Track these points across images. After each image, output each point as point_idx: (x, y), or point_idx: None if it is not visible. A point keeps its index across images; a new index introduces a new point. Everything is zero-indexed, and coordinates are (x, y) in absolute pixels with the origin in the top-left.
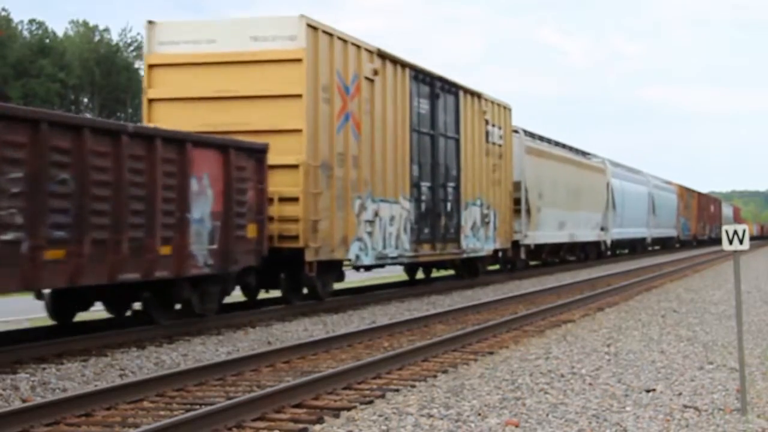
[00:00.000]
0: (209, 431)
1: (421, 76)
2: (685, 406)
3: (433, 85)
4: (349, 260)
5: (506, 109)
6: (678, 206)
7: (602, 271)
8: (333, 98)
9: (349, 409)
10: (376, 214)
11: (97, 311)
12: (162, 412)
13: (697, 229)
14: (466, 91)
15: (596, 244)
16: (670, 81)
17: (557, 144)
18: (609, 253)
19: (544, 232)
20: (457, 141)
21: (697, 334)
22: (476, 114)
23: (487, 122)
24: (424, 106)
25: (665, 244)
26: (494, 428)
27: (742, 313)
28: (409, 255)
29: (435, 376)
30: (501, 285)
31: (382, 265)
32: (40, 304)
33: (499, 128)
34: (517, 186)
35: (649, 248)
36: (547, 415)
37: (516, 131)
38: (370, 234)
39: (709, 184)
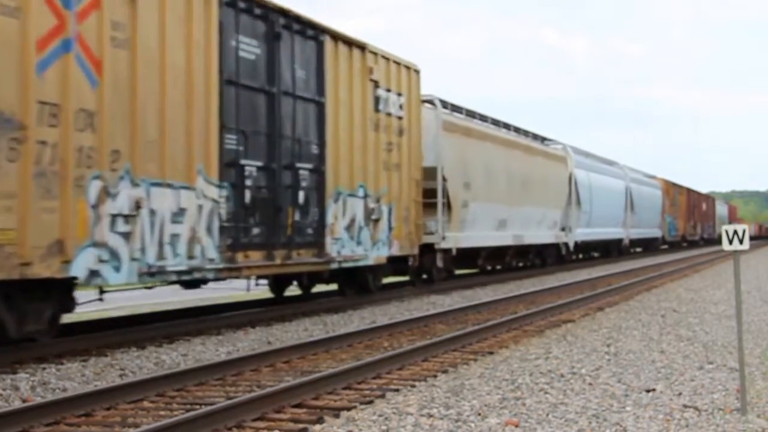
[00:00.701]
0: (209, 431)
1: (245, 4)
2: (685, 406)
3: (272, 21)
4: (76, 279)
5: (412, 70)
6: (663, 203)
7: (602, 271)
8: (28, 8)
9: (349, 409)
10: (140, 204)
11: (98, 311)
12: (162, 412)
13: (687, 228)
14: (338, 37)
15: (555, 247)
16: (671, 81)
17: (497, 123)
18: (574, 257)
19: (474, 232)
20: (320, 106)
21: (697, 333)
22: (357, 72)
23: (376, 85)
24: (253, 48)
25: (648, 246)
26: (494, 428)
27: (742, 313)
28: (216, 267)
29: (435, 376)
30: (501, 285)
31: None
32: None
33: (399, 95)
34: (430, 173)
35: (631, 251)
36: (547, 415)
37: (429, 102)
38: (125, 236)
39: (709, 184)
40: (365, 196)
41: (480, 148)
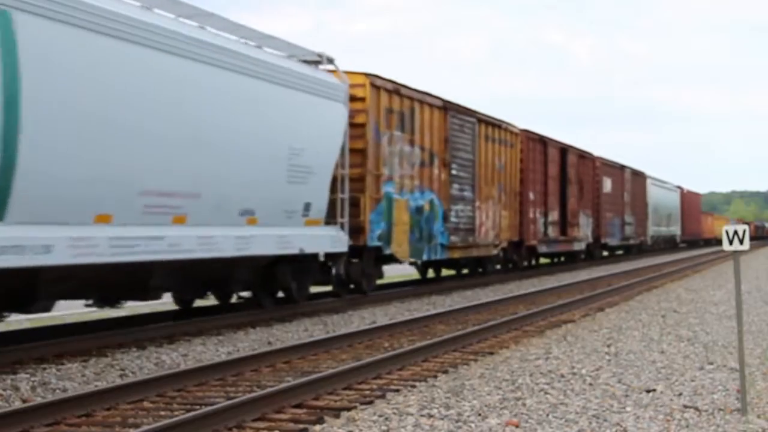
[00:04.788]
0: (209, 431)
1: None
2: (686, 407)
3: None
4: None
5: None
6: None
7: (603, 271)
8: None
9: (349, 409)
10: None
11: (98, 311)
12: (162, 413)
13: (534, 232)
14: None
15: None
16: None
17: None
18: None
19: None
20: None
21: (698, 334)
22: None
23: None
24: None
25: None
26: (494, 428)
27: (742, 313)
28: None
29: (435, 377)
30: (501, 285)
31: None
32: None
33: None
34: None
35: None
36: (548, 415)
37: None
38: None
39: (709, 184)
40: None
41: None
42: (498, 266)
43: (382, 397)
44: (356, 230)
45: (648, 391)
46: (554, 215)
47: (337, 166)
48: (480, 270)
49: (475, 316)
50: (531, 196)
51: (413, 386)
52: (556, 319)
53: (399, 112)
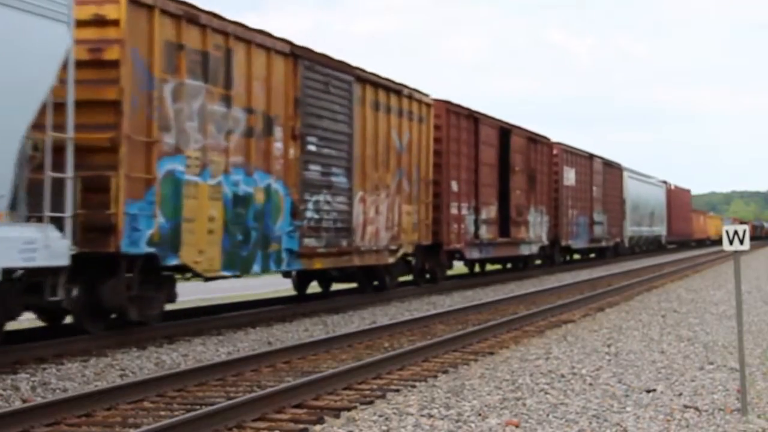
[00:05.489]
0: (209, 431)
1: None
2: (686, 407)
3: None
4: None
5: None
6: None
7: (603, 271)
8: None
9: (349, 409)
10: None
11: None
12: (162, 413)
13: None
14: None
15: None
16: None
17: None
18: None
19: None
20: None
21: (698, 334)
22: None
23: None
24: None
25: None
26: (494, 428)
27: (742, 314)
28: None
29: (435, 377)
30: (502, 286)
31: None
32: None
33: None
34: None
35: None
36: (548, 415)
37: None
38: None
39: (710, 184)
40: None
41: None
42: (409, 278)
43: (382, 397)
44: (101, 229)
45: (648, 391)
46: (490, 211)
47: (46, 127)
48: (376, 284)
49: (475, 316)
50: (454, 186)
51: (413, 386)
52: (556, 319)
53: (199, 53)
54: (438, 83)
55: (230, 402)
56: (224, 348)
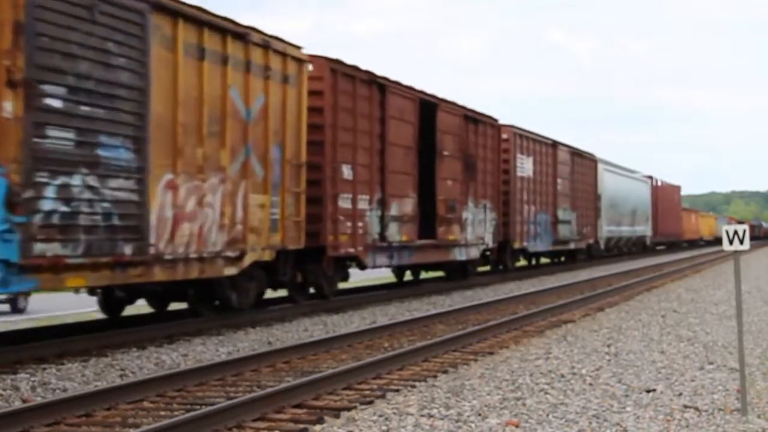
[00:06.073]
0: (209, 431)
1: None
2: (686, 407)
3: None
4: None
5: None
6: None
7: (603, 271)
8: None
9: (349, 409)
10: None
11: (97, 311)
12: (162, 413)
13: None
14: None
15: None
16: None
17: None
18: None
19: None
20: None
21: (698, 334)
22: None
23: None
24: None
25: None
26: (494, 428)
27: (742, 314)
28: None
29: (435, 377)
30: (501, 285)
31: None
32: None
33: None
34: None
35: None
36: (548, 415)
37: None
38: None
39: (710, 184)
40: None
41: None
42: (265, 295)
43: (382, 397)
44: None
45: (648, 391)
46: (405, 206)
47: None
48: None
49: (475, 316)
50: (345, 172)
51: (413, 386)
52: (556, 319)
53: None
54: (438, 83)
55: (230, 402)
56: (224, 348)
